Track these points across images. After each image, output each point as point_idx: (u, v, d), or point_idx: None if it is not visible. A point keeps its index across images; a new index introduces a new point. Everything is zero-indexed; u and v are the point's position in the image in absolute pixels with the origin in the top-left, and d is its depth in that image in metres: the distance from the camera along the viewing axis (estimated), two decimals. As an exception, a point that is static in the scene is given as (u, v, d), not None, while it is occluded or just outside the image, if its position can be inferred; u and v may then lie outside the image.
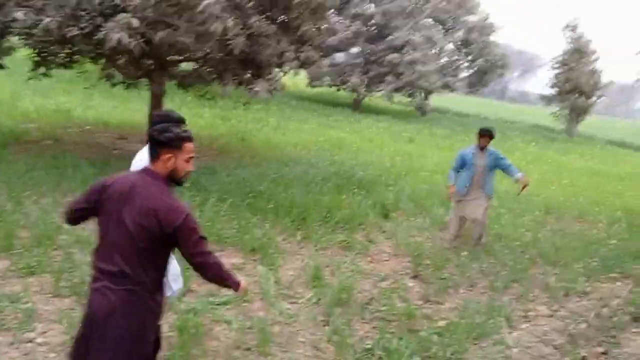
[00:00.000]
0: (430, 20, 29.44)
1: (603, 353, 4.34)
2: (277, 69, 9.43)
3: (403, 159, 12.48)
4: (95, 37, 6.67)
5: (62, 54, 8.06)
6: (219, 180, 7.58)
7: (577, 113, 30.89)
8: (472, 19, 33.12)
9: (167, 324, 3.80)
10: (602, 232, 8.10)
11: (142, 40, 6.81)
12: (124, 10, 6.51)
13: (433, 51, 29.02)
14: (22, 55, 8.63)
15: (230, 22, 7.03)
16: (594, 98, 30.75)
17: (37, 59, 8.06)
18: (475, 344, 4.19)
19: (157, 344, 2.50)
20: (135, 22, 6.40)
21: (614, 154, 24.19)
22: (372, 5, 27.22)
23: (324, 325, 4.20)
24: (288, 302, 4.52)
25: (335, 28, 21.46)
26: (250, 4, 7.84)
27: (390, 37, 26.52)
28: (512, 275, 5.74)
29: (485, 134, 6.25)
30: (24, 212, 5.51)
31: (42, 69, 8.32)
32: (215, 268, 2.40)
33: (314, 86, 27.08)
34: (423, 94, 30.34)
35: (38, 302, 3.94)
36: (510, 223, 7.66)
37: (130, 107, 13.37)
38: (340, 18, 25.73)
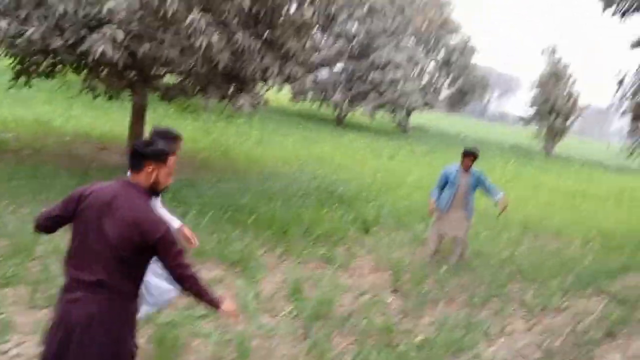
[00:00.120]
0: (412, 40, 30.00)
1: (578, 367, 4.42)
2: (260, 84, 9.49)
3: (384, 175, 12.59)
4: (79, 49, 6.66)
5: (44, 64, 8.01)
6: (200, 193, 7.57)
7: (554, 134, 31.60)
8: (453, 40, 33.80)
9: (146, 336, 3.78)
10: (578, 250, 8.26)
11: (126, 52, 6.81)
12: (109, 23, 6.52)
13: (415, 70, 29.48)
14: (4, 64, 8.55)
15: (215, 37, 7.09)
16: (570, 120, 31.51)
17: (18, 68, 8.00)
18: (453, 359, 4.23)
19: (133, 351, 2.49)
20: (120, 35, 6.41)
21: (590, 174, 24.69)
22: (356, 24, 27.64)
23: (304, 339, 4.21)
24: (268, 316, 4.52)
25: (319, 45, 21.73)
26: (236, 20, 7.92)
27: (373, 56, 26.91)
28: (490, 290, 5.82)
29: (469, 155, 6.32)
30: (1, 221, 5.43)
31: (23, 79, 8.25)
32: (193, 281, 2.42)
33: (297, 101, 27.25)
34: (404, 112, 30.73)
35: (14, 314, 3.88)
36: (488, 240, 7.77)
37: (111, 119, 13.28)
38: (324, 36, 26.03)
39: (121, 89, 8.78)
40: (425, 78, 32.94)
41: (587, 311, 5.75)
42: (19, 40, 6.55)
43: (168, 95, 9.10)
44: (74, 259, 2.33)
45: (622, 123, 13.58)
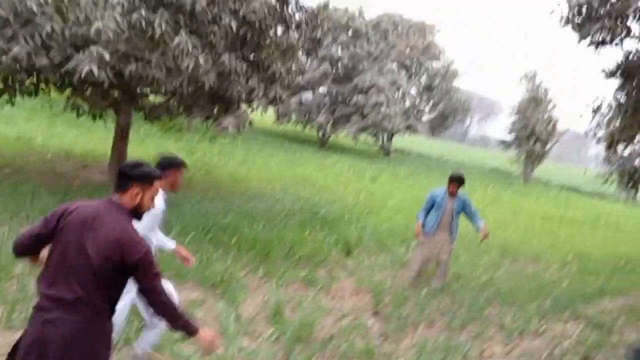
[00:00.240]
0: (395, 65, 30.51)
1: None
2: (245, 105, 9.57)
3: (366, 198, 12.69)
4: (65, 68, 6.67)
5: (28, 82, 7.99)
6: (182, 213, 7.55)
7: (533, 158, 32.16)
8: (435, 64, 34.45)
9: (127, 359, 3.76)
10: (555, 274, 8.40)
11: (112, 72, 6.85)
12: (95, 43, 6.56)
13: (397, 94, 29.92)
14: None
15: (201, 59, 7.17)
16: (549, 145, 32.12)
17: (1, 86, 7.96)
18: (432, 382, 4.26)
19: None
20: (106, 55, 6.45)
21: (567, 198, 25.15)
22: (340, 48, 28.09)
23: (284, 362, 4.21)
24: (248, 339, 4.51)
25: (304, 68, 21.97)
26: (222, 42, 8.02)
27: (356, 80, 27.30)
28: (470, 314, 5.88)
29: (456, 180, 6.42)
30: (-22, 240, 5.35)
31: (6, 97, 8.21)
32: (167, 307, 2.43)
33: (281, 123, 27.41)
34: (387, 135, 31.10)
35: (-11, 334, 3.82)
36: (468, 263, 7.86)
37: (94, 137, 13.21)
38: (309, 59, 26.35)
39: (105, 108, 8.78)
40: (408, 102, 33.45)
41: (564, 335, 5.83)
42: (4, 58, 6.53)
43: (152, 114, 9.12)
44: (51, 275, 2.29)
45: (599, 149, 13.90)
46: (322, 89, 28.88)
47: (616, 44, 9.10)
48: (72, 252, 2.28)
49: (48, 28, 6.54)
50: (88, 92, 8.27)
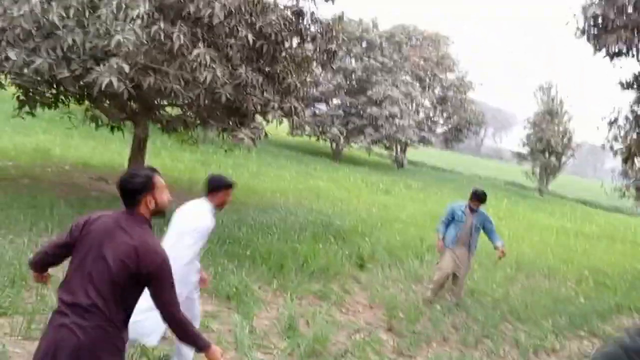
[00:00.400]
0: (408, 77, 30.55)
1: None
2: (260, 118, 9.65)
3: (379, 210, 12.68)
4: (85, 80, 6.79)
5: (48, 94, 8.14)
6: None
7: (548, 172, 31.85)
8: (449, 76, 34.40)
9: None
10: (571, 289, 8.30)
11: (131, 84, 6.96)
12: (115, 55, 6.68)
13: (411, 107, 29.93)
14: (9, 93, 8.69)
15: (219, 72, 7.26)
16: (564, 158, 31.82)
17: (22, 97, 8.13)
18: (447, 399, 4.23)
19: None
20: (126, 67, 6.55)
21: (583, 212, 24.86)
22: (354, 60, 28.20)
23: (298, 376, 4.20)
24: (262, 352, 4.51)
25: (318, 80, 22.10)
26: (239, 54, 8.11)
27: (370, 92, 27.35)
28: (483, 330, 5.84)
29: (477, 197, 6.38)
30: (-2, 250, 5.44)
31: (27, 108, 8.37)
32: (179, 320, 2.45)
33: (294, 135, 27.52)
34: (400, 147, 31.06)
35: (8, 344, 3.87)
36: (482, 278, 7.81)
37: (110, 149, 13.40)
38: (324, 71, 26.49)
39: (123, 119, 8.90)
40: (422, 114, 33.41)
41: (580, 352, 5.76)
42: (26, 70, 6.67)
43: (170, 126, 9.23)
44: (69, 282, 2.36)
45: (616, 162, 13.77)
46: (335, 101, 28.98)
47: (632, 56, 9.06)
48: (91, 260, 2.33)
49: (69, 40, 6.66)
50: (106, 104, 8.40)
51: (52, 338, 2.31)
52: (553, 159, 31.20)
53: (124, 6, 6.57)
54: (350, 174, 20.74)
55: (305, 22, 9.37)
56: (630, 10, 8.76)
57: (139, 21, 6.83)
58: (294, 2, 9.15)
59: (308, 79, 10.12)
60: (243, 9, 7.74)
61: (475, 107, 34.73)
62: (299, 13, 9.11)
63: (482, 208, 6.51)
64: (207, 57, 7.21)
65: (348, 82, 28.16)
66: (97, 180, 10.13)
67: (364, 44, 28.40)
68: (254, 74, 8.27)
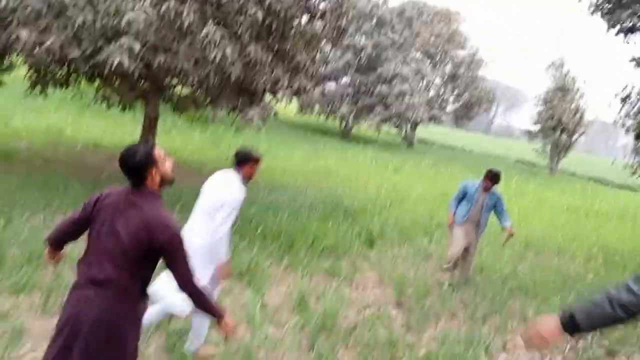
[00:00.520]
0: (419, 54, 30.22)
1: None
2: (270, 96, 9.65)
3: (389, 189, 12.70)
4: (96, 59, 6.83)
5: (59, 73, 8.19)
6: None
7: (559, 149, 31.59)
8: (460, 53, 34.00)
9: (157, 344, 3.89)
10: (580, 267, 8.32)
11: (141, 63, 6.98)
12: (126, 34, 6.69)
13: (421, 84, 29.67)
14: (20, 73, 8.76)
15: (228, 50, 7.25)
16: (576, 135, 31.50)
17: (34, 77, 8.18)
18: (455, 373, 4.31)
19: (136, 351, 2.56)
20: (136, 46, 6.57)
21: (594, 190, 24.70)
22: (364, 37, 27.89)
23: (309, 351, 4.29)
24: (273, 327, 4.61)
25: (328, 58, 21.96)
26: (248, 32, 8.09)
27: (380, 69, 27.12)
28: (492, 306, 5.90)
29: (491, 177, 6.34)
30: (14, 230, 5.56)
31: (39, 88, 8.44)
32: (195, 289, 2.52)
33: (303, 114, 27.45)
34: (410, 125, 30.89)
35: (27, 320, 3.98)
36: (491, 256, 7.84)
37: (121, 129, 13.47)
38: (333, 49, 26.31)
39: (134, 99, 8.95)
40: (432, 91, 33.14)
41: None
42: (37, 50, 6.71)
43: (180, 106, 9.26)
44: (87, 258, 2.45)
45: (628, 139, 13.65)
46: (345, 79, 28.78)
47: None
48: (104, 235, 2.41)
49: (80, 20, 6.68)
50: (117, 83, 8.44)
51: (71, 309, 2.40)
52: (564, 136, 30.90)
53: (133, -15, 6.56)
54: (359, 152, 20.72)
55: (314, -1, 9.29)
56: (645, -16, 8.59)
57: (148, 0, 6.83)
58: (304, -21, 9.06)
59: (317, 57, 10.06)
60: (252, -14, 7.69)
61: (486, 84, 34.38)
62: (308, -11, 9.03)
63: (496, 189, 6.52)
64: (217, 35, 7.20)
65: (358, 60, 27.93)
66: (111, 159, 10.23)
67: (374, 21, 28.06)
68: (264, 52, 8.25)
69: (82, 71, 7.76)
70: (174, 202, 6.94)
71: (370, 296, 5.80)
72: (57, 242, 2.72)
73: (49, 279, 4.68)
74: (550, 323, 1.93)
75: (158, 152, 2.50)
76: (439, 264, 7.18)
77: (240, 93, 8.99)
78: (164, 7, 6.85)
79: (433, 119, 31.51)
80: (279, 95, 9.57)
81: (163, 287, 3.35)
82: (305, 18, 9.41)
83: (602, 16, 9.25)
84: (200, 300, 2.56)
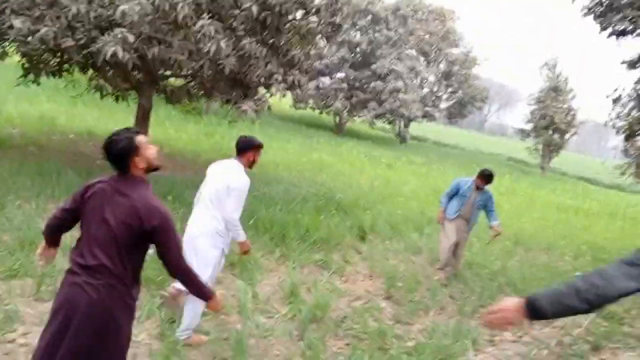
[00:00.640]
0: (413, 51, 30.28)
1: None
2: (264, 90, 9.66)
3: (381, 184, 12.76)
4: (89, 49, 6.81)
5: (53, 63, 8.16)
6: (201, 195, 7.71)
7: (551, 149, 31.81)
8: (454, 51, 34.10)
9: (148, 332, 3.93)
10: (568, 264, 8.43)
11: (135, 54, 6.97)
12: (120, 25, 6.68)
13: (415, 81, 29.74)
14: (14, 61, 8.71)
15: (223, 43, 7.25)
16: (567, 135, 31.74)
17: (27, 65, 8.15)
18: (442, 364, 4.38)
19: (129, 336, 2.61)
20: (131, 37, 6.56)
21: (585, 190, 24.92)
22: (359, 33, 27.91)
23: (299, 340, 4.35)
24: (264, 317, 4.67)
25: (322, 53, 21.94)
26: (243, 26, 8.09)
27: (374, 65, 27.16)
28: (480, 301, 5.98)
29: (484, 176, 6.46)
30: (7, 216, 5.56)
31: (32, 76, 8.41)
32: (186, 272, 2.58)
33: (298, 108, 27.44)
34: (404, 122, 30.98)
35: (20, 305, 4.01)
36: (480, 251, 7.93)
37: (114, 119, 13.41)
38: (328, 44, 26.30)
39: (127, 90, 8.93)
40: (426, 88, 33.23)
41: (575, 325, 5.88)
42: (30, 39, 6.69)
43: (173, 97, 9.25)
44: (79, 246, 2.49)
45: (619, 140, 13.78)
46: (339, 74, 28.80)
47: (637, 35, 8.99)
48: (95, 224, 2.45)
49: (74, 10, 6.67)
50: (110, 74, 8.42)
51: (65, 295, 2.45)
52: (556, 135, 31.13)
53: (128, -25, 6.54)
54: (353, 147, 20.77)
55: (309, -6, 9.29)
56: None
57: (143, -9, 6.80)
58: (299, -26, 9.06)
59: (312, 52, 10.08)
60: (247, -21, 7.69)
61: (479, 82, 34.53)
62: (303, -16, 9.03)
63: (488, 188, 6.61)
64: (212, 28, 7.20)
65: (352, 56, 27.94)
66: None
67: (369, 17, 28.07)
68: (258, 46, 8.26)
69: (76, 61, 7.74)
70: (167, 192, 6.97)
71: (360, 288, 5.87)
72: (52, 235, 2.74)
73: (42, 265, 4.70)
74: (514, 306, 1.98)
75: (140, 139, 2.51)
76: (429, 258, 7.26)
77: (235, 86, 9.00)
78: (158, 0, 6.84)
79: (426, 116, 31.62)
80: (273, 89, 9.58)
81: None
82: (300, 13, 9.41)
83: (595, 19, 9.32)
84: (192, 281, 2.61)
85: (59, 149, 9.53)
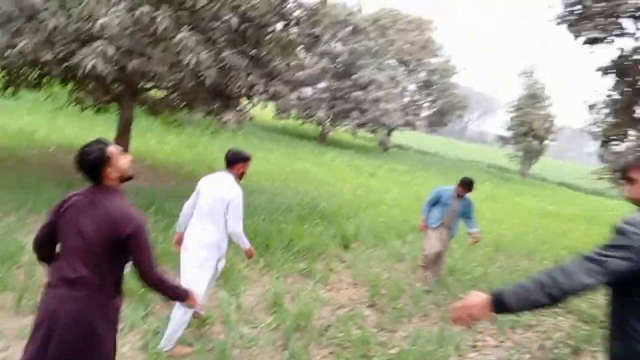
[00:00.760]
0: (394, 61, 30.61)
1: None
2: (246, 101, 9.70)
3: (364, 193, 12.85)
4: (69, 62, 6.80)
5: (32, 76, 8.12)
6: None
7: (531, 155, 32.31)
8: (434, 60, 34.55)
9: (132, 343, 3.92)
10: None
11: (115, 67, 6.97)
12: (99, 38, 6.68)
13: (396, 90, 30.03)
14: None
15: (203, 55, 7.30)
16: (546, 141, 32.28)
17: (6, 79, 8.09)
18: (425, 370, 4.42)
19: (114, 347, 2.60)
20: (110, 50, 6.57)
21: (564, 195, 25.33)
22: (340, 44, 28.16)
23: (283, 350, 4.36)
24: (248, 327, 4.66)
25: (303, 64, 22.07)
26: (223, 38, 8.14)
27: (355, 75, 27.40)
28: (463, 307, 6.03)
29: (465, 185, 6.55)
30: (-14, 230, 5.50)
31: (11, 90, 8.34)
32: (158, 283, 2.57)
33: (281, 118, 27.52)
34: (386, 131, 31.24)
35: (0, 320, 3.97)
36: (462, 258, 8.02)
37: (95, 131, 13.31)
38: (309, 55, 26.46)
39: (108, 102, 8.90)
40: (407, 98, 33.56)
41: (556, 328, 5.98)
42: (9, 52, 6.66)
43: (154, 109, 9.24)
44: (58, 260, 2.48)
45: (596, 146, 14.07)
46: (321, 85, 28.99)
47: (609, 42, 9.23)
48: (72, 236, 2.45)
49: (52, 23, 6.67)
50: (91, 86, 8.39)
51: (46, 308, 2.44)
52: (535, 142, 31.64)
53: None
54: (336, 157, 20.87)
55: (289, 6, 9.39)
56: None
57: (122, 4, 6.83)
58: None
59: (293, 63, 10.17)
60: (227, -8, 7.75)
61: (458, 91, 35.01)
62: (282, -4, 9.12)
63: (468, 196, 6.72)
64: (192, 41, 7.24)
65: (334, 66, 28.17)
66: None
67: (350, 28, 28.35)
68: (239, 58, 8.32)
69: (55, 74, 7.71)
70: (149, 204, 6.95)
71: (344, 297, 5.90)
72: (43, 255, 2.68)
73: (23, 278, 4.66)
74: (479, 300, 2.05)
75: (112, 149, 2.51)
76: (412, 265, 7.32)
77: (216, 97, 9.03)
78: (137, 12, 6.87)
79: (408, 124, 31.92)
80: (255, 99, 9.63)
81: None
82: (280, 25, 9.51)
83: (567, 27, 9.56)
84: (166, 288, 2.62)
85: (39, 162, 9.43)
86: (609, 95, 10.17)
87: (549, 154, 37.05)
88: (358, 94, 27.07)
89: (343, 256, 7.34)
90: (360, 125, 28.28)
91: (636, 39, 9.08)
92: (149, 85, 9.13)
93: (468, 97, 37.12)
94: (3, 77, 8.18)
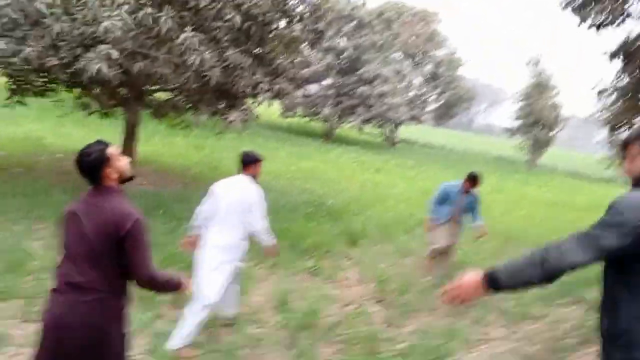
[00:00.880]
0: (399, 54, 30.49)
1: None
2: (251, 100, 9.71)
3: (371, 189, 12.84)
4: (74, 67, 6.84)
5: (38, 82, 8.17)
6: (191, 207, 7.66)
7: (539, 145, 32.07)
8: (440, 53, 34.37)
9: (141, 346, 3.95)
10: (558, 260, 8.50)
11: (120, 70, 7.01)
12: (103, 41, 6.72)
13: (402, 84, 29.93)
14: (0, 83, 8.70)
15: (207, 55, 7.31)
16: (554, 131, 32.01)
17: (13, 87, 8.15)
18: (434, 365, 4.42)
19: (124, 348, 2.61)
20: (114, 54, 6.60)
21: (573, 185, 25.12)
22: (344, 39, 28.06)
23: (290, 348, 4.37)
24: (256, 326, 4.69)
25: (308, 61, 22.04)
26: (227, 37, 8.15)
27: (361, 70, 27.31)
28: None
29: (471, 180, 6.53)
30: (-5, 238, 5.56)
31: (17, 97, 8.40)
32: (152, 282, 2.55)
33: (286, 116, 27.51)
34: (392, 126, 31.14)
35: (9, 327, 4.01)
36: (470, 250, 7.99)
37: (102, 136, 13.25)
38: (313, 51, 26.41)
39: (114, 106, 8.95)
40: (413, 91, 33.44)
41: (565, 319, 5.96)
42: (14, 59, 6.71)
43: (160, 112, 9.28)
44: (64, 264, 2.49)
45: (603, 134, 13.93)
46: (327, 81, 28.93)
47: (617, 26, 9.10)
48: (76, 240, 2.46)
49: (57, 28, 6.70)
50: (96, 91, 8.44)
51: (53, 313, 2.45)
52: (543, 132, 31.40)
53: (110, -8, 6.60)
54: (342, 154, 20.86)
55: (292, 2, 9.38)
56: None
57: (125, 7, 6.86)
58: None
59: (297, 60, 10.16)
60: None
61: (465, 83, 34.82)
62: (285, -7, 9.11)
63: (475, 190, 6.70)
64: (195, 41, 7.25)
65: (339, 62, 28.09)
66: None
67: (354, 23, 28.24)
68: (243, 56, 8.32)
69: (61, 80, 7.76)
70: (157, 206, 6.99)
71: (351, 294, 5.91)
72: None
73: (30, 286, 4.71)
74: (473, 279, 2.04)
75: (111, 150, 2.54)
76: (419, 260, 7.31)
77: (221, 97, 9.05)
78: (140, 14, 6.89)
79: (414, 118, 31.81)
80: (260, 98, 9.63)
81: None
82: (283, 22, 9.50)
83: (573, 11, 9.43)
84: (160, 284, 2.61)
85: (47, 168, 9.51)
86: (617, 79, 10.02)
87: (558, 144, 36.79)
88: (364, 89, 26.97)
89: (350, 253, 7.35)
90: (366, 121, 28.20)
91: (642, 23, 8.96)
92: (154, 88, 9.16)
93: (474, 88, 36.94)
94: (9, 85, 8.24)
